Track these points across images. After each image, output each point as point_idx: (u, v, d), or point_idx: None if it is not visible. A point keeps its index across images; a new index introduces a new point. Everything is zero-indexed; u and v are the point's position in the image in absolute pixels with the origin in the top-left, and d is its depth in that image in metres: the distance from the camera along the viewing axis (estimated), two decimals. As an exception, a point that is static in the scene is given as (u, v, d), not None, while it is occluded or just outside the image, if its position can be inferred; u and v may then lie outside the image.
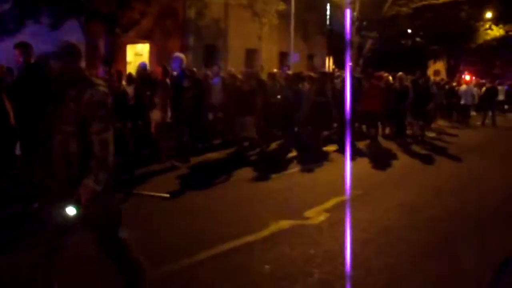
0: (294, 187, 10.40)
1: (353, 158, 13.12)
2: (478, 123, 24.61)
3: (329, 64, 36.85)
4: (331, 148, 15.56)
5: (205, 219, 7.96)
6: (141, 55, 26.91)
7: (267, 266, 5.95)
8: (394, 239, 7.22)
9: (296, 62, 28.82)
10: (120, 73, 15.86)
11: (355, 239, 7.02)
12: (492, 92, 26.21)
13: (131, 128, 13.81)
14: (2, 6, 17.27)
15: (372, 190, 10.23)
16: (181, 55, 12.94)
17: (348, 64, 19.50)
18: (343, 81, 17.16)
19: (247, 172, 11.85)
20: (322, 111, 15.19)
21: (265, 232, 7.22)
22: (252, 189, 10.28)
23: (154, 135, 12.70)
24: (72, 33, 20.16)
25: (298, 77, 16.58)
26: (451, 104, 25.87)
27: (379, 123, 17.75)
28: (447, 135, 20.16)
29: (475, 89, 26.69)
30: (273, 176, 11.49)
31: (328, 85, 16.35)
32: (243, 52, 29.62)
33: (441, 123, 23.61)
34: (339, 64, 33.71)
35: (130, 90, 14.34)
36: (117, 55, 20.84)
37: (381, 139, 17.57)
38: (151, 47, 26.63)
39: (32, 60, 8.07)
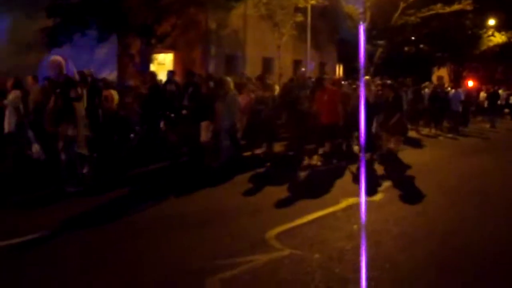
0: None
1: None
2: (487, 125, 25.99)
3: (339, 71, 38.56)
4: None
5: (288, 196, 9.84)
6: (163, 64, 28.41)
7: (355, 226, 7.52)
8: (441, 210, 9.08)
9: (311, 70, 30.33)
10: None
11: (411, 210, 8.98)
12: (494, 97, 27.95)
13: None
14: (54, 20, 18.78)
15: (410, 179, 11.84)
16: (58, 58, 10.36)
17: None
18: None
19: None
20: (261, 120, 14.40)
21: (341, 205, 8.95)
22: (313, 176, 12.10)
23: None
24: (110, 45, 21.90)
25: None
26: (434, 110, 22.23)
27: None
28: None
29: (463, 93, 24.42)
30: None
31: (268, 93, 15.07)
32: (260, 61, 31.21)
33: (426, 131, 21.89)
34: (349, 71, 35.45)
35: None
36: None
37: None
38: (175, 57, 28.21)
39: None
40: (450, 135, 21.36)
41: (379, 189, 10.47)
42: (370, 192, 9.93)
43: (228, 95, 12.83)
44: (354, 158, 13.71)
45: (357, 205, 8.89)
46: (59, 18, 18.93)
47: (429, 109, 22.40)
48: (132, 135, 14.54)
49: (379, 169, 12.94)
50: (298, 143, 14.69)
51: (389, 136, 14.87)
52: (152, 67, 26.88)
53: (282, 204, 9.16)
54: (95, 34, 19.73)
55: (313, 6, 28.18)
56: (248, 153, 14.46)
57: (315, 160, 13.82)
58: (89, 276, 5.86)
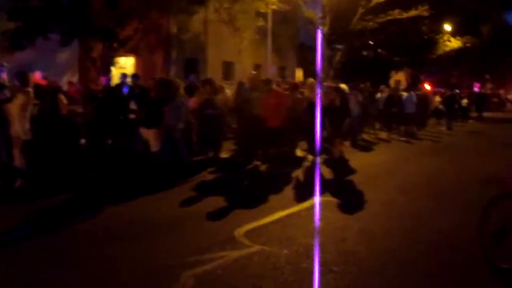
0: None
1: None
2: (443, 128, 26.71)
3: (299, 75, 39.00)
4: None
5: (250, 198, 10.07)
6: (124, 68, 28.40)
7: (319, 223, 7.81)
8: (399, 208, 9.52)
9: (272, 73, 30.67)
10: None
11: (370, 209, 9.42)
12: (451, 100, 28.69)
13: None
14: (16, 23, 18.71)
15: (366, 180, 12.21)
16: None
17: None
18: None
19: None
20: (212, 125, 13.88)
21: (304, 205, 9.30)
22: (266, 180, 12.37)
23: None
24: (72, 49, 21.87)
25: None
26: (390, 114, 22.23)
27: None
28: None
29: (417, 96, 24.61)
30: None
31: (219, 97, 14.70)
32: (221, 65, 31.49)
33: (383, 135, 22.09)
34: (309, 75, 35.88)
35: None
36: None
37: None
38: (136, 61, 28.27)
39: None
40: (404, 139, 21.54)
41: (337, 190, 10.77)
42: (329, 193, 10.32)
43: (176, 98, 12.39)
44: (299, 163, 14.08)
45: (318, 205, 9.25)
46: (20, 21, 18.86)
47: (384, 113, 22.59)
48: (82, 140, 14.40)
49: (335, 171, 13.16)
50: (246, 148, 14.78)
51: (337, 140, 14.36)
52: (114, 71, 26.95)
53: (245, 205, 9.35)
54: (58, 38, 19.70)
55: (274, 11, 28.51)
56: (200, 157, 14.43)
57: (263, 165, 13.86)
58: (64, 277, 5.99)
